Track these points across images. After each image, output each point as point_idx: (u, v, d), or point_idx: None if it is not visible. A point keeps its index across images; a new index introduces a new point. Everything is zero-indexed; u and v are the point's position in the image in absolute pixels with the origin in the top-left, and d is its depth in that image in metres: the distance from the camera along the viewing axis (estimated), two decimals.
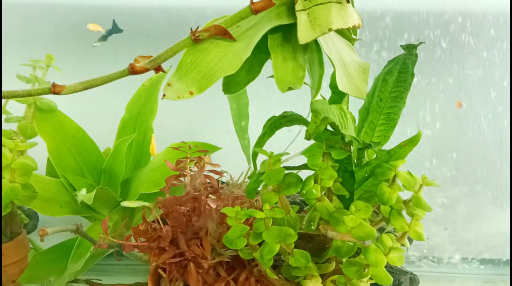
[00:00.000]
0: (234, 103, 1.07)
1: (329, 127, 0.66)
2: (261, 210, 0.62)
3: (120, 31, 1.16)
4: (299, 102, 0.96)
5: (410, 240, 0.68)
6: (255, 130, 0.78)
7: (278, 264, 0.67)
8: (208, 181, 0.80)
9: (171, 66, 0.67)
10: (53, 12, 1.29)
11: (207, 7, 1.26)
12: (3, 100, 1.10)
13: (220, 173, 0.83)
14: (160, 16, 1.28)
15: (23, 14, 1.28)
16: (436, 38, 1.25)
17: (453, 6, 1.24)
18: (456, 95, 1.27)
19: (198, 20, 1.23)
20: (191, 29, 0.62)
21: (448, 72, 1.26)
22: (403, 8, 1.25)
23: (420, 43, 0.81)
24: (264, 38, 0.61)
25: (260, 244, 0.62)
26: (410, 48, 0.81)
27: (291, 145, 0.89)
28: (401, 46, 0.81)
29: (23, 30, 1.29)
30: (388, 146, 0.77)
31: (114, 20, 1.15)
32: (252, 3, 0.60)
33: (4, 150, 0.88)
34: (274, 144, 0.73)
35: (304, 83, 0.63)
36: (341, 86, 0.61)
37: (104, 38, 1.15)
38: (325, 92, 0.72)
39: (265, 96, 1.13)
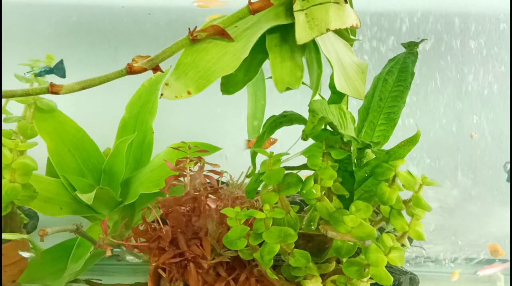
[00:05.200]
0: (252, 103, 1.07)
1: (329, 127, 0.66)
2: (261, 210, 0.62)
3: None
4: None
5: (410, 240, 0.68)
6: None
7: (278, 264, 0.67)
8: (208, 181, 0.80)
9: (170, 66, 0.67)
10: (53, 12, 1.29)
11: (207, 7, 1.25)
12: (3, 100, 1.10)
13: (220, 173, 0.83)
14: (160, 16, 1.28)
15: (23, 14, 1.28)
16: (437, 37, 1.25)
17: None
18: (456, 95, 1.27)
19: (198, 20, 1.23)
20: (189, 29, 0.61)
21: (449, 72, 1.26)
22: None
23: (422, 40, 0.80)
24: (262, 38, 0.61)
25: (260, 245, 0.62)
26: (411, 46, 0.80)
27: (291, 145, 0.89)
28: (402, 44, 0.81)
29: (23, 30, 1.29)
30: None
31: None
32: (250, 3, 0.60)
33: (4, 150, 0.88)
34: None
35: (303, 83, 0.63)
36: (339, 86, 0.61)
37: None
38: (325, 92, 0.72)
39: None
